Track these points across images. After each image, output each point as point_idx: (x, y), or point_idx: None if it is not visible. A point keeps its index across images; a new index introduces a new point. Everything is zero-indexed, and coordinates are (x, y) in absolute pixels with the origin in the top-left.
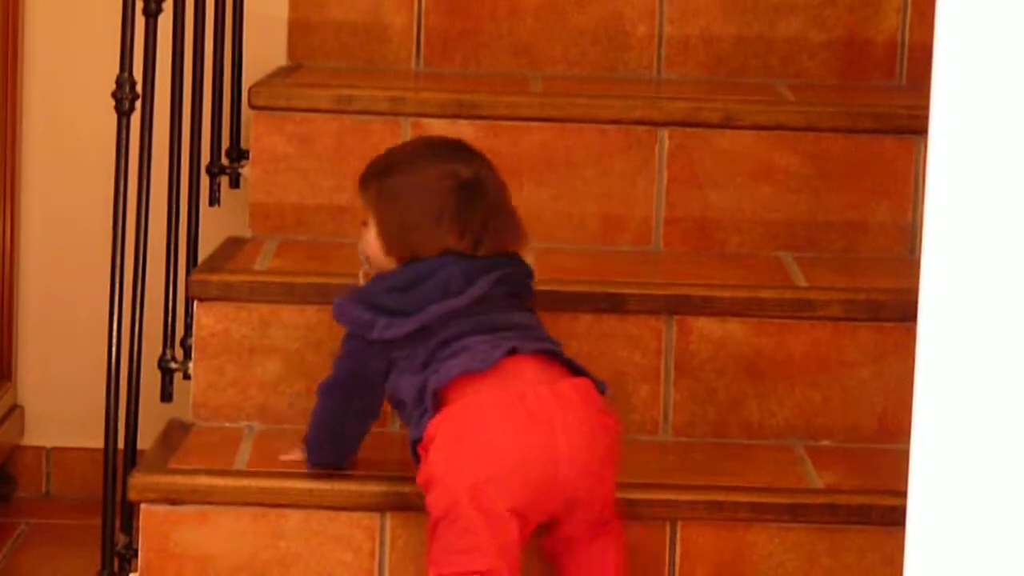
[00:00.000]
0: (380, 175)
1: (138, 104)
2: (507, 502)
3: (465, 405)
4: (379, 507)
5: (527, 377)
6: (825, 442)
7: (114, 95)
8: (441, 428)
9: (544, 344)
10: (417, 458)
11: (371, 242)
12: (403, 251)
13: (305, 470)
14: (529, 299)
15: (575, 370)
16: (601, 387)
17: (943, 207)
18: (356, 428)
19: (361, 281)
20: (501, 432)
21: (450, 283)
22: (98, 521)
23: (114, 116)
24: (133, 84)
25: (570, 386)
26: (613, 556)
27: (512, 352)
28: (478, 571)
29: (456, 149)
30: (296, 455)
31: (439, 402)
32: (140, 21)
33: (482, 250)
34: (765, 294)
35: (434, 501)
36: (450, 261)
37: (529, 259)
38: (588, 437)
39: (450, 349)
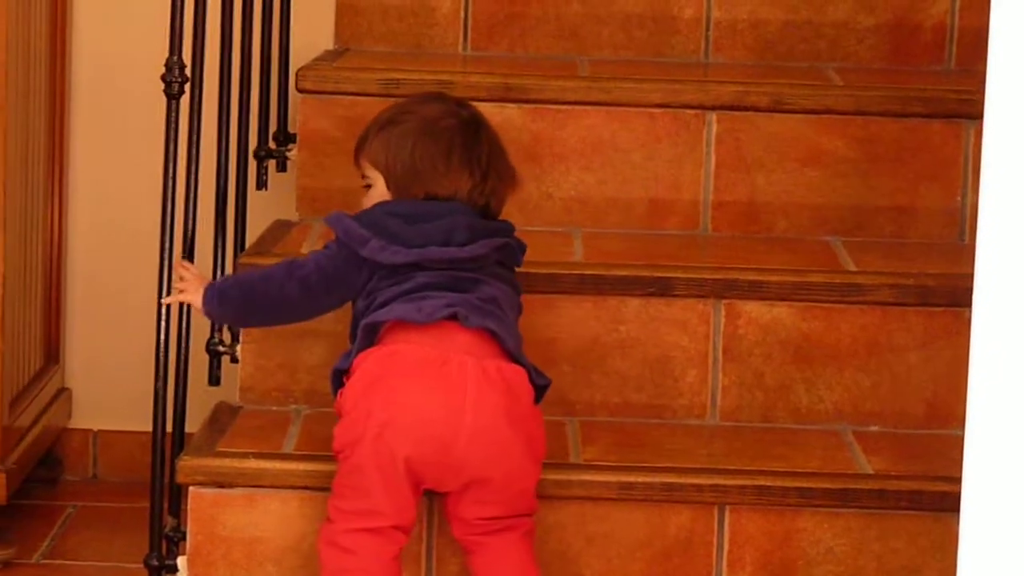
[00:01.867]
0: (381, 128)
1: (187, 88)
2: (403, 451)
3: (389, 352)
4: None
5: (458, 345)
6: (873, 427)
7: (163, 78)
8: (362, 366)
9: (488, 322)
10: (336, 384)
11: (379, 196)
12: (418, 194)
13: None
14: (516, 268)
15: (515, 359)
16: (539, 380)
17: (998, 192)
18: (286, 313)
19: None
20: (411, 385)
21: (455, 232)
22: (145, 504)
23: (162, 99)
24: (182, 68)
25: (496, 367)
26: (521, 552)
27: (455, 317)
28: (367, 510)
29: (443, 96)
30: (191, 296)
31: (372, 339)
32: (189, 4)
33: (488, 186)
34: (814, 278)
35: (339, 432)
36: (460, 210)
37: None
38: (498, 421)
39: (413, 296)
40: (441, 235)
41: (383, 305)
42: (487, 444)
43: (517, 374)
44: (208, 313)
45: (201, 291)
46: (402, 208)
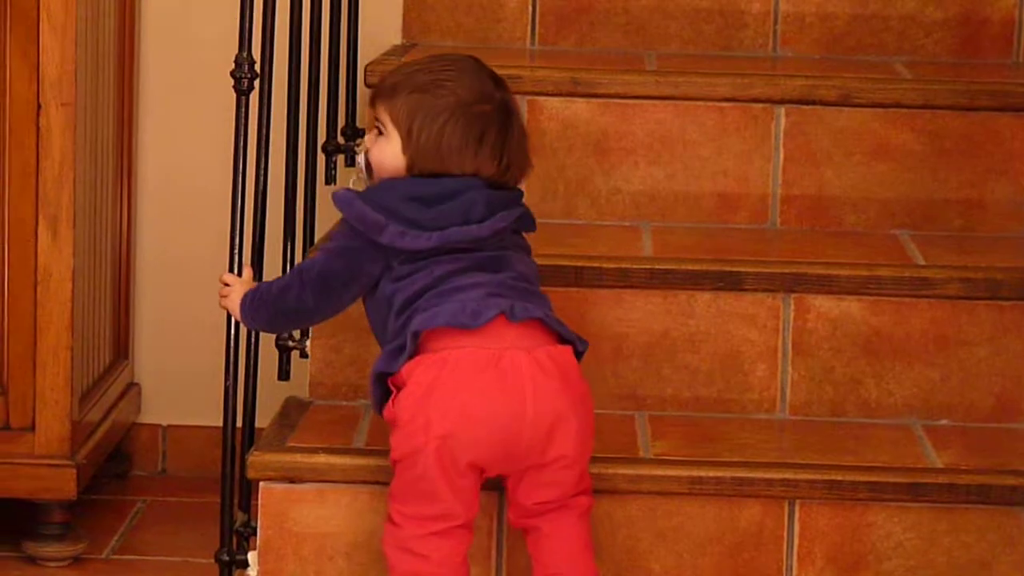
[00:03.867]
0: (412, 91)
1: (256, 84)
2: (467, 457)
3: (442, 358)
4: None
5: (508, 339)
6: (943, 421)
7: (233, 74)
8: (415, 373)
9: (533, 312)
10: (381, 388)
11: (391, 154)
12: (435, 169)
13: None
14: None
15: (561, 334)
16: (581, 347)
17: None
18: (309, 319)
19: (351, 187)
20: (471, 392)
21: (472, 209)
22: (213, 499)
23: (231, 95)
24: (252, 64)
25: (547, 355)
26: (577, 531)
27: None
28: (436, 514)
29: (479, 69)
30: (232, 305)
31: (417, 343)
32: (258, 1)
33: (509, 174)
34: (883, 272)
35: (396, 443)
36: (475, 185)
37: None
38: (557, 408)
39: (447, 286)
40: (460, 214)
41: (416, 297)
42: (549, 433)
43: (565, 354)
44: (246, 326)
45: (239, 301)
46: (418, 190)
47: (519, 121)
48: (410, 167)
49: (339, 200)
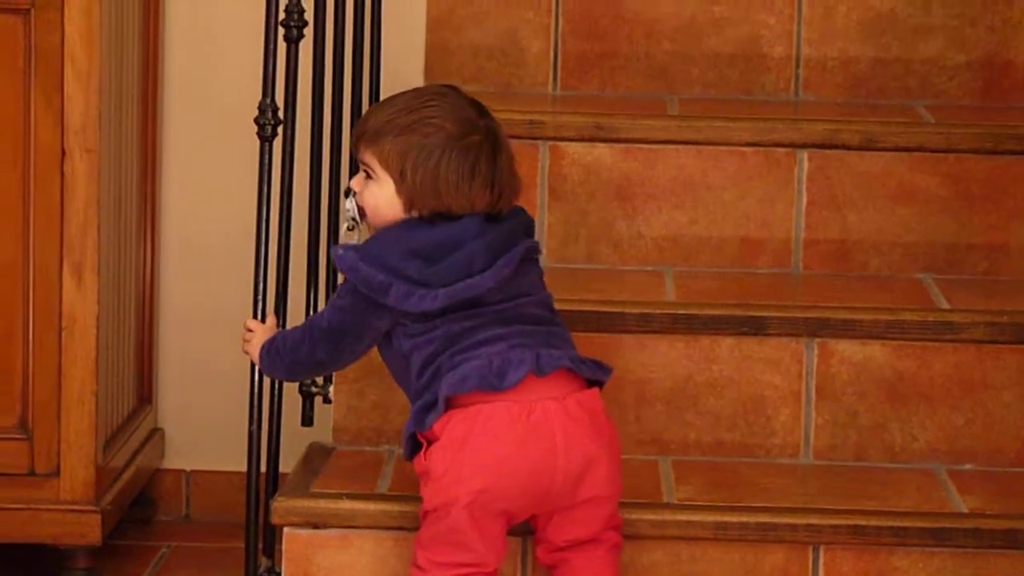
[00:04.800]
0: (400, 133)
1: (279, 130)
2: (499, 507)
3: (474, 412)
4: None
5: (537, 391)
6: (968, 466)
7: (257, 121)
8: (447, 428)
9: (560, 361)
10: (412, 443)
11: (386, 199)
12: (435, 208)
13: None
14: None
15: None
16: (605, 377)
17: None
18: (324, 370)
19: (344, 235)
20: (504, 445)
21: (474, 261)
22: (237, 544)
23: (253, 140)
24: (275, 110)
25: (576, 402)
26: (605, 566)
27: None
28: (466, 563)
29: (460, 99)
30: (253, 352)
31: (447, 399)
32: (281, 48)
33: (502, 202)
34: (907, 316)
35: (428, 496)
36: (474, 230)
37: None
38: (588, 454)
39: (467, 342)
40: (463, 267)
41: (436, 356)
42: (580, 476)
43: (592, 398)
44: (264, 373)
45: (259, 349)
46: (418, 243)
47: (505, 145)
48: (407, 208)
49: (342, 262)
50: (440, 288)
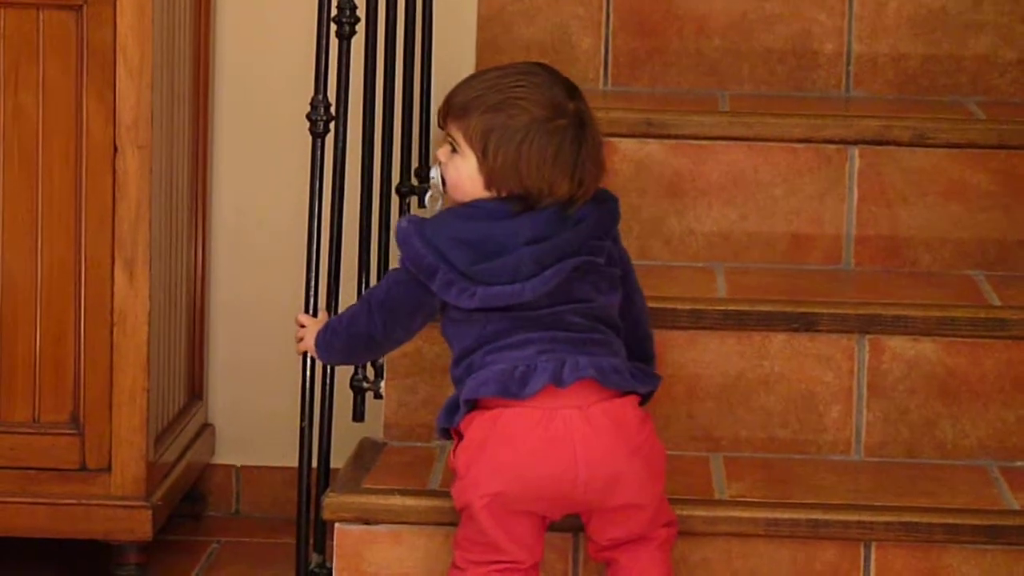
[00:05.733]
0: (486, 110)
1: (331, 126)
2: (519, 508)
3: (493, 417)
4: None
5: (561, 398)
6: (1019, 463)
7: (309, 117)
8: (469, 429)
9: (584, 371)
10: (445, 436)
11: (468, 173)
12: (513, 188)
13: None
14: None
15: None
16: (644, 390)
17: None
18: (377, 347)
19: (427, 203)
20: (519, 451)
21: (521, 266)
22: (288, 539)
23: (304, 135)
24: (327, 106)
25: (601, 411)
26: (656, 564)
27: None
28: (499, 560)
29: (551, 80)
30: (308, 343)
31: (470, 405)
32: (334, 44)
33: (581, 190)
34: (958, 313)
35: (455, 494)
36: (529, 233)
37: None
38: (612, 463)
39: (499, 343)
40: (508, 272)
41: (470, 351)
42: (606, 487)
43: (621, 407)
44: (323, 361)
45: (315, 339)
46: (467, 233)
47: (592, 130)
48: (487, 185)
49: (400, 233)
50: (479, 287)
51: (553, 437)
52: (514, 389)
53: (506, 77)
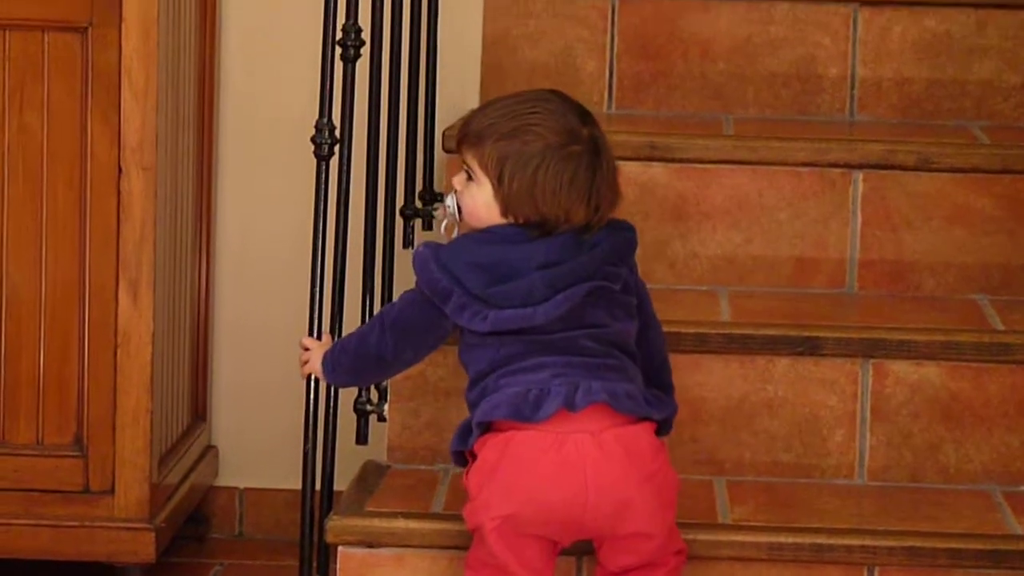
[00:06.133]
0: (500, 138)
1: (336, 149)
2: (530, 531)
3: (505, 439)
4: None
5: (573, 422)
6: (1023, 487)
7: (313, 140)
8: (482, 451)
9: (596, 396)
10: (459, 459)
11: (483, 201)
12: (530, 216)
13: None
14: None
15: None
16: (659, 417)
17: None
18: (386, 368)
19: (442, 231)
20: (531, 476)
21: (534, 290)
22: (290, 562)
23: (309, 158)
24: (332, 129)
25: (613, 437)
26: None
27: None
28: None
29: (564, 106)
30: (314, 365)
31: (482, 428)
32: (338, 67)
33: (598, 215)
34: (962, 337)
35: (466, 515)
36: (542, 257)
37: None
38: (622, 491)
39: (513, 367)
40: (520, 296)
41: (484, 375)
42: (615, 514)
43: (633, 434)
44: (329, 382)
45: (321, 360)
46: (486, 259)
47: (607, 156)
48: (503, 212)
49: (417, 258)
50: (492, 310)
51: (564, 461)
52: (527, 412)
53: (520, 104)
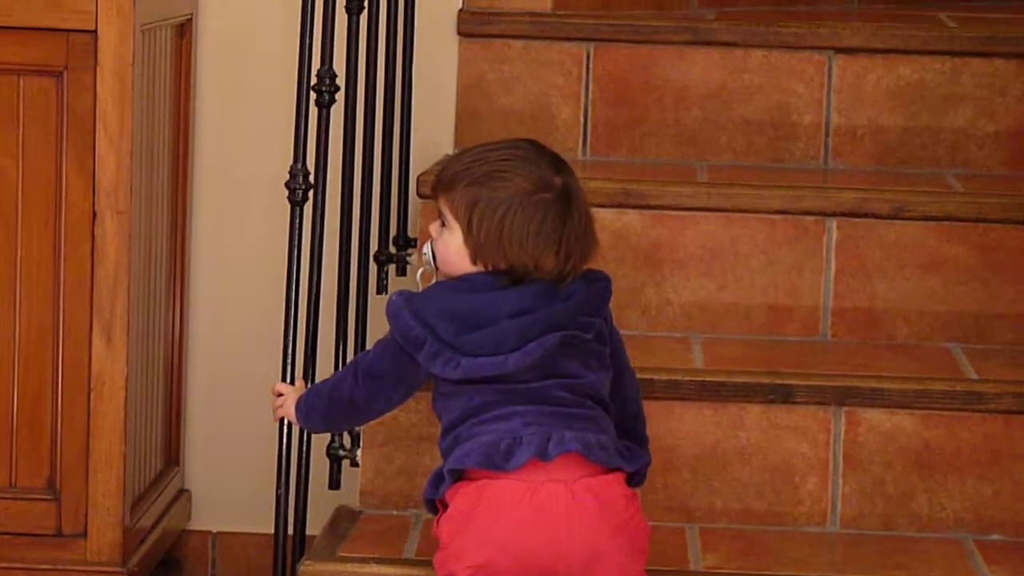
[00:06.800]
0: (470, 183)
1: (310, 194)
2: None
3: (479, 488)
4: None
5: (546, 471)
6: (995, 536)
7: (287, 185)
8: (455, 500)
9: (569, 446)
10: (431, 507)
11: (455, 247)
12: (497, 263)
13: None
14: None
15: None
16: (631, 468)
17: None
18: (359, 414)
19: (418, 279)
20: (505, 526)
21: (505, 339)
22: None
23: (283, 203)
24: (307, 175)
25: (586, 487)
26: None
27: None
28: None
29: (538, 155)
30: (288, 410)
31: (455, 477)
32: (313, 112)
33: (569, 264)
34: (935, 386)
35: (438, 563)
36: (514, 306)
37: None
38: (596, 540)
39: (486, 415)
40: (491, 344)
41: (457, 423)
42: (586, 564)
43: (606, 484)
44: (302, 426)
45: (294, 404)
46: (454, 305)
47: (581, 204)
48: (473, 259)
49: (390, 307)
50: (463, 357)
51: (539, 510)
52: (499, 461)
53: (493, 151)
